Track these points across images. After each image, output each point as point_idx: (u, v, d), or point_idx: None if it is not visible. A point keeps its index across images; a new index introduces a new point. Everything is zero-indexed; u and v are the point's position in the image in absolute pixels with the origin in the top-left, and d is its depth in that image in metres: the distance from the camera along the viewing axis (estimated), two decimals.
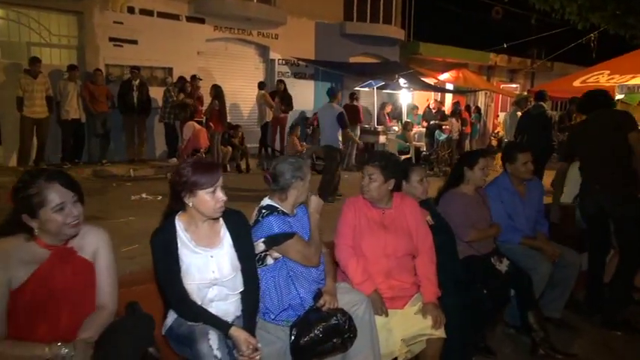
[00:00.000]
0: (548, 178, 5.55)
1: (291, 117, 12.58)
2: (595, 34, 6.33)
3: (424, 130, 12.75)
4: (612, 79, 10.59)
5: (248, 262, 2.25)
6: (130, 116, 9.55)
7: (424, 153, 11.76)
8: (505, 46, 9.21)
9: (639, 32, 5.06)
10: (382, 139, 11.64)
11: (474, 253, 3.33)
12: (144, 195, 7.48)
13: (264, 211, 2.40)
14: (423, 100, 16.40)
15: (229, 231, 2.24)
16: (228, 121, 10.87)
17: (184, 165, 2.09)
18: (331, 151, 7.39)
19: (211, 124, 9.12)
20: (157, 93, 9.97)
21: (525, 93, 12.58)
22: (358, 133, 11.41)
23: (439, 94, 17.15)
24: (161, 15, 10.30)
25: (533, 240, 3.56)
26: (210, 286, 2.14)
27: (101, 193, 7.55)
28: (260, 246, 2.35)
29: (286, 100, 11.17)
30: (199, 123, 9.41)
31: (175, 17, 10.54)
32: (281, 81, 11.46)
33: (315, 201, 2.52)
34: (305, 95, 12.99)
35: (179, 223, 2.16)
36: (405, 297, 2.61)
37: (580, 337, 3.53)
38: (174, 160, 9.44)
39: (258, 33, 11.94)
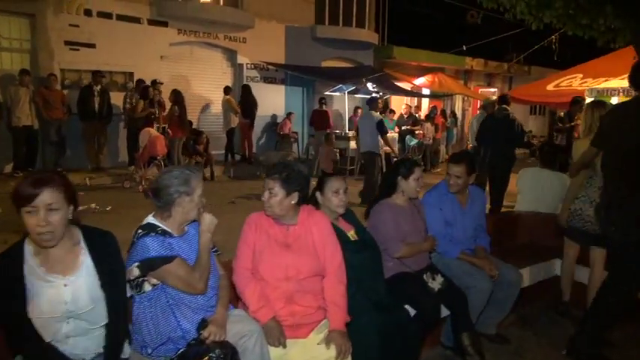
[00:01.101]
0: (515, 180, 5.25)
1: (260, 123, 12.35)
2: (556, 35, 6.17)
3: (397, 135, 12.53)
4: (585, 82, 10.51)
5: (113, 290, 1.95)
6: (91, 123, 9.20)
7: (395, 158, 11.52)
8: (464, 48, 9.02)
9: (596, 34, 4.84)
10: (353, 144, 11.38)
11: (406, 269, 3.07)
12: (93, 205, 7.12)
13: (140, 230, 2.11)
14: (401, 105, 16.22)
15: (91, 255, 1.94)
16: (195, 127, 10.62)
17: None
18: (372, 156, 7.99)
19: (169, 130, 8.80)
20: (117, 98, 9.62)
21: (493, 97, 12.48)
22: None
23: (413, 98, 17.04)
24: (120, 18, 9.97)
25: (471, 256, 3.30)
26: (63, 319, 1.84)
27: None
28: (134, 271, 2.05)
29: (248, 106, 10.87)
30: (162, 129, 9.10)
31: (136, 20, 10.22)
32: (246, 86, 11.18)
33: (207, 219, 2.23)
34: (275, 100, 12.73)
35: (28, 247, 1.86)
36: (309, 324, 2.33)
37: (519, 356, 3.28)
38: (133, 168, 9.10)
39: (225, 37, 11.65)
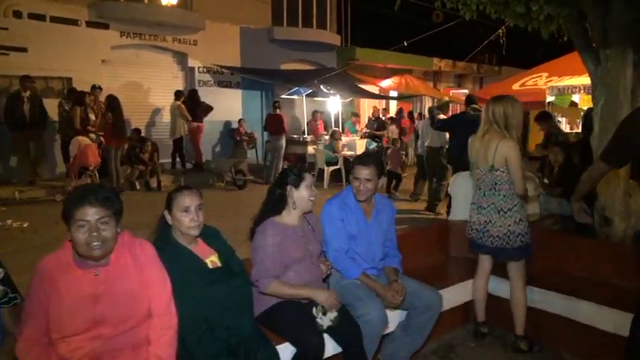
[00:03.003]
0: None
1: (216, 128, 11.80)
2: (503, 29, 5.78)
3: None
4: (550, 81, 10.25)
5: None
6: (21, 132, 8.50)
7: None
8: (405, 44, 8.57)
9: (536, 23, 4.40)
10: (310, 149, 10.90)
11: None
12: (8, 222, 6.50)
13: None
14: (370, 108, 15.79)
15: None
16: (143, 135, 10.02)
17: None
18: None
19: (102, 138, 8.20)
20: (54, 105, 8.99)
21: (446, 98, 12.19)
22: (284, 144, 10.63)
23: (381, 101, 16.63)
24: (55, 20, 9.35)
25: (374, 279, 2.79)
26: None
27: None
28: None
29: (196, 111, 10.31)
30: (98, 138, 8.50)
31: (73, 22, 9.60)
32: (193, 91, 10.62)
33: None
34: (231, 105, 12.19)
35: None
36: None
37: None
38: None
39: (173, 39, 11.09)
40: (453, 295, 3.30)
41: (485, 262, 3.30)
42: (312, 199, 2.64)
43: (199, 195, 2.29)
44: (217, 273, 2.28)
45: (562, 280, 3.30)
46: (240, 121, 11.55)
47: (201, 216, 2.24)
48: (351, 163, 10.18)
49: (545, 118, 6.43)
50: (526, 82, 11.25)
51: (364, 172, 2.79)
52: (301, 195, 2.59)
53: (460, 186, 4.24)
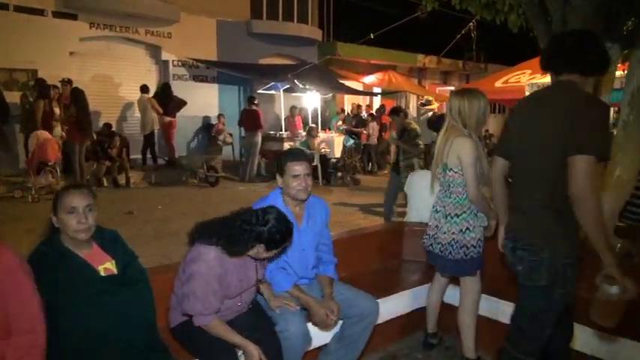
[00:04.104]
0: None
1: (191, 123, 11.50)
2: (473, 22, 5.55)
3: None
4: (533, 78, 10.06)
5: None
6: None
7: (333, 160, 10.83)
8: (372, 36, 8.29)
9: (502, 15, 4.19)
10: (287, 146, 10.63)
11: None
12: None
13: None
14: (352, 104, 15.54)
15: None
16: (114, 129, 9.71)
17: None
18: None
19: (63, 133, 7.89)
20: (18, 98, 8.66)
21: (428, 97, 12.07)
22: (259, 140, 10.38)
23: (365, 97, 16.41)
24: (19, 9, 8.99)
25: (304, 294, 2.52)
26: None
27: None
28: None
29: (168, 105, 10.02)
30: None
31: (39, 12, 9.24)
32: (166, 84, 10.32)
33: None
34: (207, 100, 11.88)
35: None
36: None
37: None
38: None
39: (146, 31, 10.76)
40: (400, 303, 3.08)
41: (435, 283, 3.06)
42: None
43: (90, 195, 2.02)
44: (110, 281, 2.03)
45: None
46: (219, 116, 11.25)
47: (90, 218, 1.98)
48: (327, 161, 9.98)
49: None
50: (509, 79, 11.09)
51: (301, 168, 2.50)
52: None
53: (415, 185, 4.01)
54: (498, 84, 10.94)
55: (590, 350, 2.53)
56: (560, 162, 1.90)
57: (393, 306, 3.06)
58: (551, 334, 2.09)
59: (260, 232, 2.09)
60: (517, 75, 10.79)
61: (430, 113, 10.17)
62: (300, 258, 2.62)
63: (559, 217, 1.99)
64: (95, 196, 2.06)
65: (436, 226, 2.83)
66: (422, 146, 6.09)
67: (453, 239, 2.72)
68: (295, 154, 2.63)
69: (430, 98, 11.03)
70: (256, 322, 2.34)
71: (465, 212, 2.73)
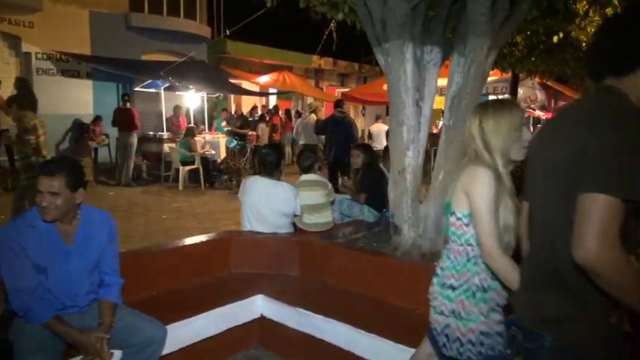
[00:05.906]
0: None
1: (61, 122, 10.45)
2: (333, 23, 5.51)
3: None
4: None
5: None
6: None
7: (213, 161, 10.38)
8: (228, 32, 8.09)
9: (342, 15, 4.10)
10: (167, 147, 10.04)
11: None
12: None
13: None
14: (252, 104, 15.14)
15: None
16: None
17: None
18: None
19: None
20: None
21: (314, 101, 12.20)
22: (135, 141, 9.67)
23: (261, 98, 16.14)
24: None
25: (65, 325, 2.15)
26: None
27: None
28: None
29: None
30: None
31: None
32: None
33: None
34: (80, 97, 10.92)
35: None
36: None
37: None
38: None
39: (2, 19, 9.63)
40: (201, 327, 2.79)
41: (424, 344, 2.01)
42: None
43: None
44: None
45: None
46: (96, 119, 10.29)
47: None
48: (210, 163, 9.62)
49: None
50: None
51: (47, 183, 2.13)
52: None
53: (247, 190, 3.73)
54: (385, 87, 11.14)
55: None
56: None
57: (199, 326, 2.79)
58: None
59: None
60: None
61: (312, 116, 10.15)
62: (65, 284, 2.25)
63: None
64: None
65: (432, 292, 1.86)
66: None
67: (447, 325, 1.75)
68: (45, 166, 2.25)
69: (316, 104, 11.05)
70: None
71: (467, 282, 1.73)
